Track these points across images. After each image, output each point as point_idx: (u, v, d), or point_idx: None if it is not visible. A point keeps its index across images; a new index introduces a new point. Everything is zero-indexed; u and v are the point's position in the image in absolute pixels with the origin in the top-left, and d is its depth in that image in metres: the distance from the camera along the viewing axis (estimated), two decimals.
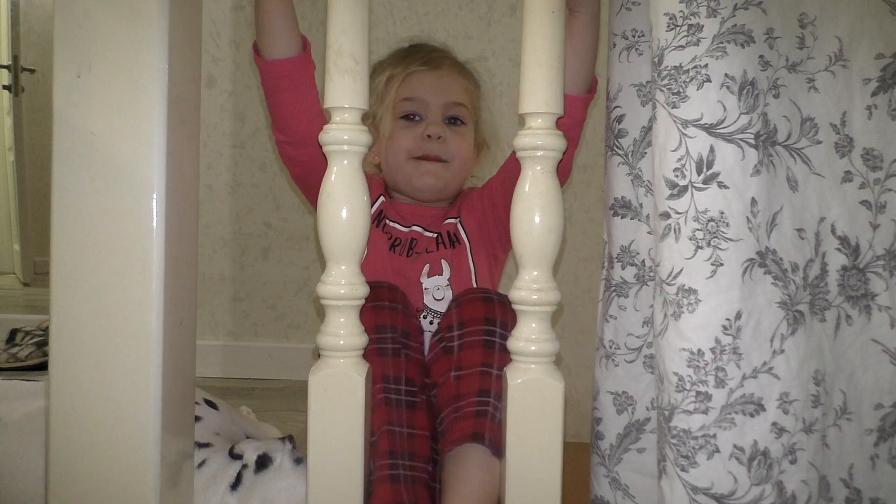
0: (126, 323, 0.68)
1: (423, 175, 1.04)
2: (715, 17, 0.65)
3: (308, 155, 0.93)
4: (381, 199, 1.09)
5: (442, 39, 1.79)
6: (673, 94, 0.66)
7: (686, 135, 0.65)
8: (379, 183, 1.11)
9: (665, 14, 0.67)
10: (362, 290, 0.72)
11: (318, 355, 0.73)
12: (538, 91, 0.71)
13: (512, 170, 0.95)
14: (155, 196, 0.69)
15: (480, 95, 1.14)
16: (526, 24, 0.72)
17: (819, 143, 0.68)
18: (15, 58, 3.11)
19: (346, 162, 0.73)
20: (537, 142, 0.71)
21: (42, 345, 1.72)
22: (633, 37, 0.77)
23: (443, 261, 1.04)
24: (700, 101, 0.65)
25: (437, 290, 1.02)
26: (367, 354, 0.74)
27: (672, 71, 0.66)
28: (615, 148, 0.78)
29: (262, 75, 0.92)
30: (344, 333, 0.72)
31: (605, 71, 0.81)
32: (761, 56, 0.66)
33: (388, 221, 1.07)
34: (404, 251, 1.04)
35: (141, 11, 0.70)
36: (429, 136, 1.02)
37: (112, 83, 0.71)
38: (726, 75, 0.64)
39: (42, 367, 1.63)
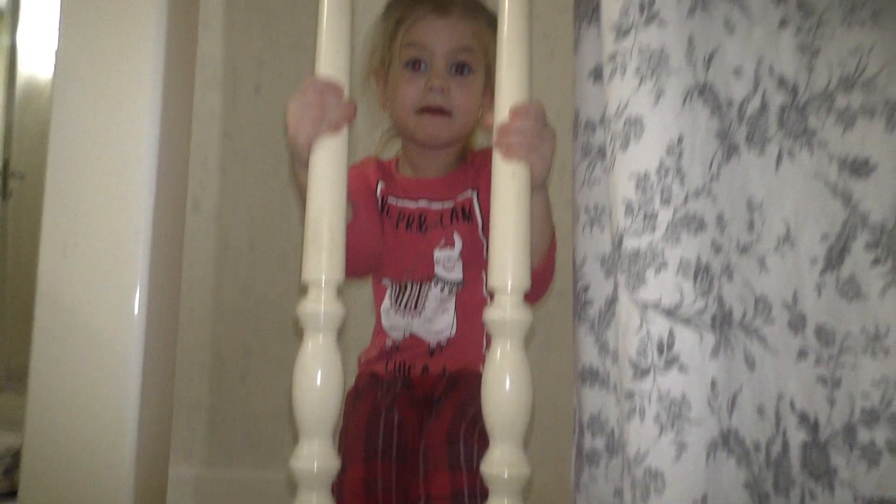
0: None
1: (427, 127, 1.03)
2: (668, 205, 0.69)
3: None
4: (381, 184, 1.09)
5: None
6: (632, 277, 0.70)
7: (646, 318, 0.68)
8: (375, 166, 1.12)
9: (622, 201, 0.71)
10: (334, 465, 0.73)
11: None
12: (507, 268, 0.75)
13: None
14: (132, 375, 0.71)
15: (494, 41, 1.11)
16: (494, 205, 0.76)
17: (773, 321, 0.71)
18: (6, 162, 3.15)
19: (321, 337, 0.75)
20: (506, 317, 0.74)
21: (9, 470, 1.68)
22: (596, 211, 0.81)
23: (455, 234, 1.05)
24: (658, 285, 0.68)
25: (447, 262, 1.05)
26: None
27: (631, 255, 0.70)
28: (582, 317, 0.81)
29: None
30: None
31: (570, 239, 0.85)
32: (713, 241, 0.70)
33: (392, 203, 1.08)
34: (415, 226, 1.06)
35: (128, 194, 0.74)
36: (431, 88, 1.02)
37: (97, 260, 0.74)
38: (681, 260, 0.68)
39: (10, 495, 1.59)
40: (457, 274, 1.04)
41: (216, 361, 1.75)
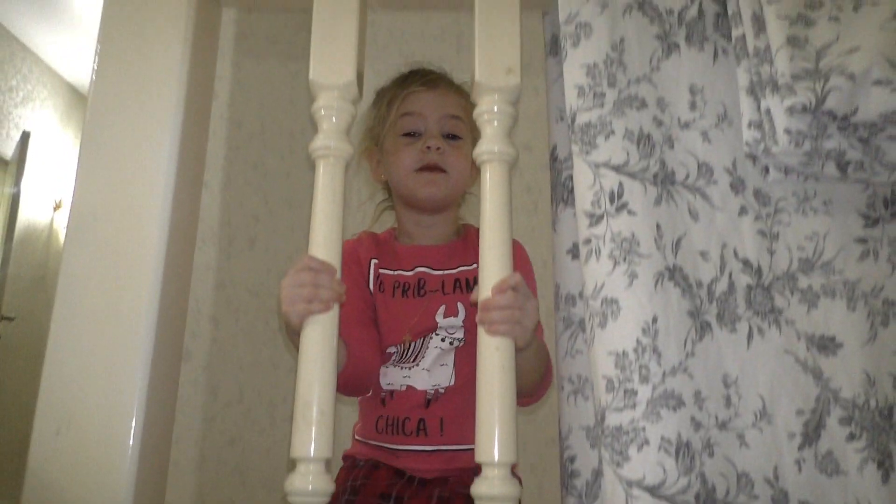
0: None
1: (426, 185, 1.07)
2: (647, 383, 0.72)
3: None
4: (374, 261, 1.11)
5: None
6: (616, 453, 0.71)
7: (632, 495, 0.69)
8: (369, 241, 1.14)
9: (603, 377, 0.74)
10: None
11: None
12: (493, 442, 0.76)
13: None
14: None
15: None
16: (480, 381, 0.78)
17: (756, 498, 0.72)
18: None
19: None
20: (493, 491, 0.74)
21: None
22: (579, 382, 0.84)
23: (459, 303, 1.04)
24: (641, 462, 0.70)
25: (450, 329, 1.04)
26: None
27: (614, 431, 0.72)
28: (570, 488, 0.82)
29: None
30: None
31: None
32: (693, 417, 0.72)
33: (385, 274, 1.09)
34: (412, 292, 1.05)
35: (124, 375, 0.76)
36: (428, 148, 1.06)
37: (89, 441, 0.74)
38: (662, 437, 0.70)
39: None
40: (459, 335, 1.05)
41: None
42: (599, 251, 0.76)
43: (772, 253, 0.77)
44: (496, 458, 0.75)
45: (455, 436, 1.01)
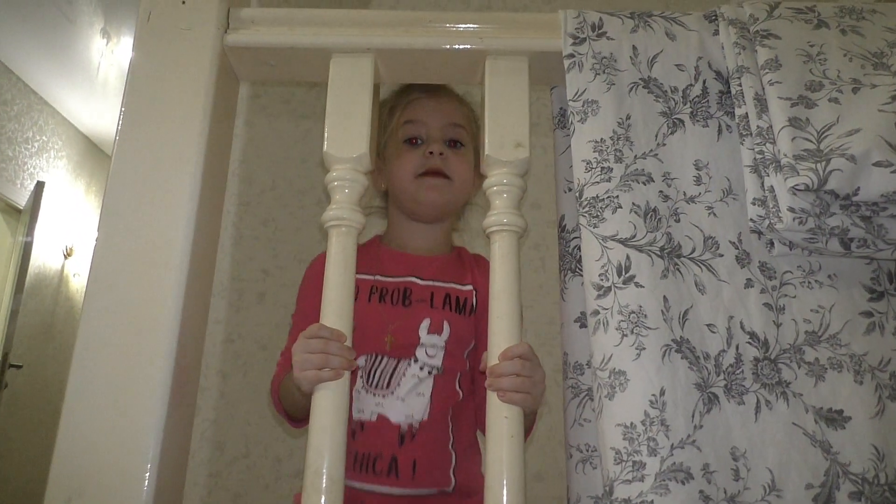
0: None
1: (428, 190, 1.06)
2: (655, 455, 0.72)
3: None
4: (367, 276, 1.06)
5: None
6: None
7: None
8: (363, 254, 1.06)
9: (611, 448, 0.74)
10: None
11: None
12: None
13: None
14: None
15: (478, 125, 1.14)
16: (489, 448, 0.79)
17: None
18: (5, 355, 3.19)
19: None
20: None
21: None
22: (587, 450, 0.84)
23: (445, 321, 1.01)
24: None
25: (431, 348, 1.01)
26: None
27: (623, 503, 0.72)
28: None
29: (282, 412, 1.06)
30: None
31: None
32: (701, 491, 0.72)
33: (360, 276, 1.01)
34: (398, 300, 1.02)
35: (136, 434, 0.77)
36: (430, 153, 1.06)
37: None
38: None
39: None
40: (437, 361, 1.01)
41: None
42: (607, 323, 0.77)
43: (778, 325, 0.78)
44: None
45: (426, 480, 0.97)
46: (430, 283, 1.06)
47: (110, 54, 3.39)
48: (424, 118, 1.10)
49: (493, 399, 0.83)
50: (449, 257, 1.13)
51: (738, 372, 0.77)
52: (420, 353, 1.01)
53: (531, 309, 1.76)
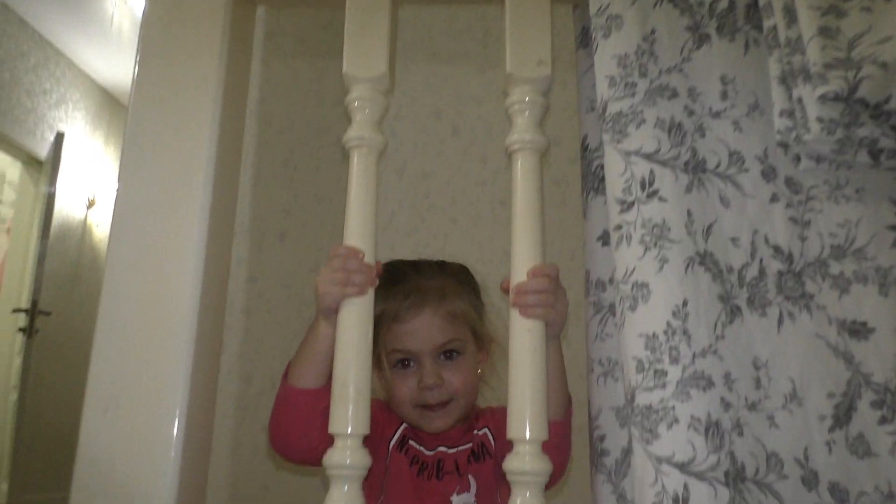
0: None
1: (431, 421, 1.02)
2: (677, 364, 0.73)
3: (299, 459, 0.97)
4: (403, 425, 1.06)
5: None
6: (646, 431, 0.73)
7: (661, 471, 0.70)
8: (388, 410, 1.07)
9: (633, 358, 0.75)
10: None
11: None
12: (525, 420, 0.78)
13: None
14: None
15: (478, 302, 1.09)
16: (512, 361, 0.81)
17: (786, 477, 0.73)
18: (34, 303, 3.25)
19: (346, 487, 0.78)
20: (525, 467, 0.77)
21: None
22: (609, 364, 0.85)
23: (469, 476, 1.02)
24: (671, 440, 0.71)
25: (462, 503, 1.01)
26: None
27: (644, 410, 0.73)
28: (599, 466, 0.83)
29: (280, 398, 0.97)
30: None
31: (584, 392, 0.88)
32: (722, 398, 0.73)
33: (411, 443, 1.04)
34: (433, 474, 1.02)
35: (168, 354, 0.79)
36: (424, 388, 1.00)
37: (136, 419, 0.78)
38: (692, 416, 0.71)
39: None
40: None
41: (234, 501, 1.73)
42: (630, 237, 0.77)
43: (803, 240, 0.78)
44: (528, 435, 0.78)
45: None
46: (456, 449, 1.05)
47: (123, 4, 3.37)
48: (412, 346, 1.01)
49: (515, 316, 0.84)
50: (470, 421, 1.08)
51: (761, 285, 0.78)
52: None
53: (551, 245, 1.77)
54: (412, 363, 1.02)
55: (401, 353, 1.02)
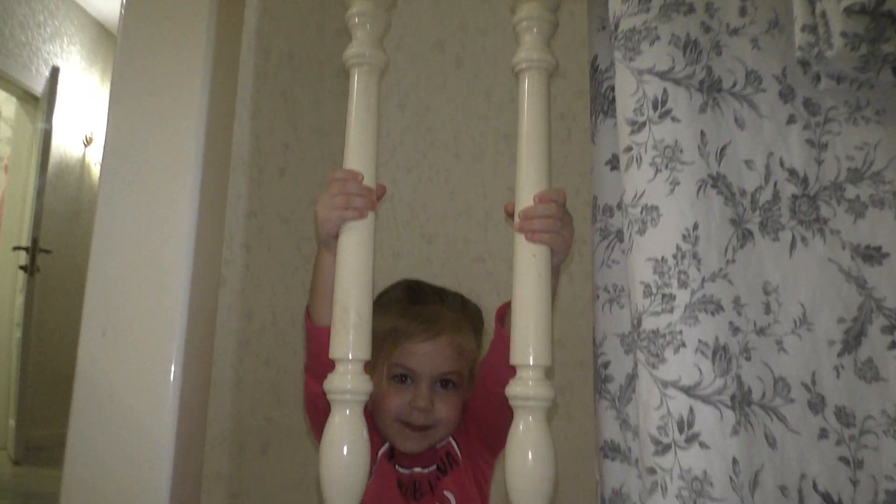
0: None
1: (406, 440, 1.04)
2: (685, 288, 0.72)
3: None
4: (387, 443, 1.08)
5: (442, 245, 1.91)
6: (652, 355, 0.71)
7: (666, 395, 0.70)
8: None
9: (641, 282, 0.74)
10: None
11: None
12: (529, 345, 0.77)
13: (485, 379, 1.00)
14: (165, 451, 0.73)
15: (481, 339, 1.12)
16: (516, 287, 0.79)
17: (792, 401, 0.72)
18: (34, 241, 3.24)
19: (347, 411, 0.77)
20: (528, 392, 0.76)
21: None
22: (615, 291, 0.84)
23: (446, 492, 1.04)
24: (678, 364, 0.70)
25: None
26: None
27: (650, 334, 0.72)
28: (603, 392, 0.83)
29: (308, 337, 0.96)
30: None
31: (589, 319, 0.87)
32: (731, 322, 0.72)
33: (397, 457, 1.07)
34: (411, 494, 1.04)
35: (165, 277, 0.78)
36: (415, 408, 1.03)
37: (134, 341, 0.77)
38: (699, 340, 0.70)
39: None
40: None
41: (237, 434, 1.75)
42: (640, 159, 0.74)
43: (819, 162, 0.76)
44: (531, 360, 0.77)
45: None
46: (429, 469, 1.07)
47: None
48: (416, 367, 1.04)
49: (521, 241, 0.82)
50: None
51: (774, 208, 0.75)
52: None
53: (555, 180, 1.74)
54: (410, 381, 1.04)
55: (404, 369, 1.05)
